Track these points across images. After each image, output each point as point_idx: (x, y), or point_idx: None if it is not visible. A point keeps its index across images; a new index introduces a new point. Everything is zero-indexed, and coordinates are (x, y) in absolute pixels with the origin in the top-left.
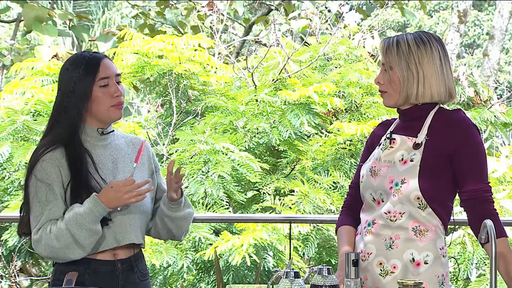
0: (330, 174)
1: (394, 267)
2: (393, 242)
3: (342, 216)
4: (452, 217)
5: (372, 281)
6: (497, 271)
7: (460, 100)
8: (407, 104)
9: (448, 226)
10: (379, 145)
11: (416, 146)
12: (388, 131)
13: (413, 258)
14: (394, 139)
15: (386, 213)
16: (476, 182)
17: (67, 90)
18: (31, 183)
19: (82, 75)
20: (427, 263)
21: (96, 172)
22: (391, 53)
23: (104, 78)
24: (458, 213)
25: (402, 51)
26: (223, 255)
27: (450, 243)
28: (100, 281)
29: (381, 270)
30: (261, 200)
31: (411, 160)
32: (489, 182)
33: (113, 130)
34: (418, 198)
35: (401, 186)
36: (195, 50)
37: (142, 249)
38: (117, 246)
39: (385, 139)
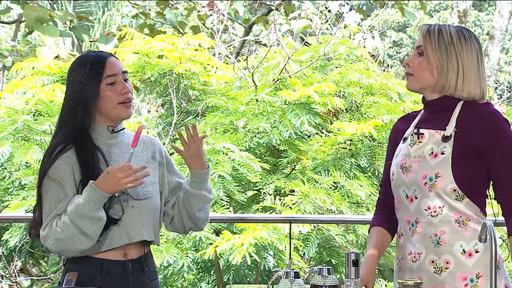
0: (331, 174)
1: (447, 262)
2: (439, 239)
3: (376, 216)
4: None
5: (428, 280)
6: None
7: None
8: (436, 94)
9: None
10: (404, 140)
11: (445, 138)
12: (414, 126)
13: (463, 250)
14: (422, 133)
15: (426, 210)
16: (511, 178)
17: (75, 90)
18: (44, 181)
19: (89, 74)
20: (478, 252)
21: None
22: (430, 39)
23: (111, 75)
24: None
25: (443, 39)
26: (224, 254)
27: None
28: (111, 282)
29: (434, 267)
30: (261, 200)
31: (442, 153)
32: None
33: (124, 128)
34: (455, 190)
35: (435, 181)
36: (196, 50)
37: (157, 245)
38: (129, 244)
39: (412, 134)
